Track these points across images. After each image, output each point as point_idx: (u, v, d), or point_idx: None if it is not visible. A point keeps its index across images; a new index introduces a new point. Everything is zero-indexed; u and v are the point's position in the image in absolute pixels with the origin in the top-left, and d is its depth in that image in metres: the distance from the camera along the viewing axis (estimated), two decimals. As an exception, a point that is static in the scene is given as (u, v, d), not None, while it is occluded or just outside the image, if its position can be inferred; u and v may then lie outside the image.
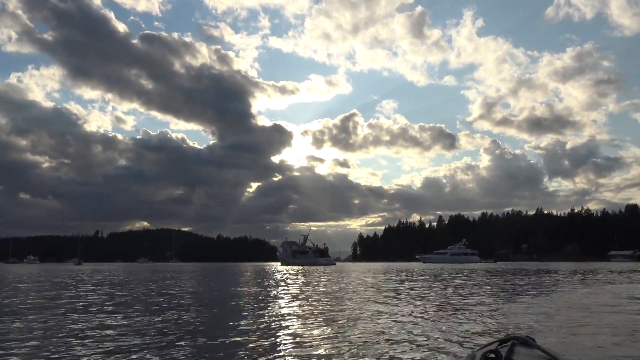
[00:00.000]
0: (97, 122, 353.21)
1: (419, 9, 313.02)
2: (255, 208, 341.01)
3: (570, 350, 5.10)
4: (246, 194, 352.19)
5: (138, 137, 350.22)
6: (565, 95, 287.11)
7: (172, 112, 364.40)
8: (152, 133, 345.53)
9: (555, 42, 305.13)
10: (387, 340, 5.85)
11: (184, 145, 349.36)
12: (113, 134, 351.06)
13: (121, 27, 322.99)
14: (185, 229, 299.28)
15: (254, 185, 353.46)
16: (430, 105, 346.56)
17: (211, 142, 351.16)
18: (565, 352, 4.98)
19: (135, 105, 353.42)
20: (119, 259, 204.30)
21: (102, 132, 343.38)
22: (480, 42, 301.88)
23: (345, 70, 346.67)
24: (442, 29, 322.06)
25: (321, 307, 9.50)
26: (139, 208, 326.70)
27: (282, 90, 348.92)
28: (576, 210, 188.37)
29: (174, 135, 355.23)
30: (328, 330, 6.61)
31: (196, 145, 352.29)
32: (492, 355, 1.57)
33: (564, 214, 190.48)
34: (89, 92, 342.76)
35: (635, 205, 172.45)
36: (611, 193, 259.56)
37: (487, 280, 20.47)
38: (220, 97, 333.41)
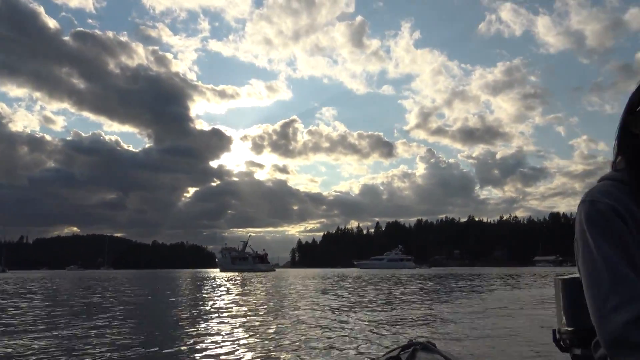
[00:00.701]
0: (23, 122, 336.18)
1: (359, 18, 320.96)
2: (193, 213, 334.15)
3: (469, 353, 5.43)
4: (183, 199, 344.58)
5: (68, 138, 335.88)
6: (496, 107, 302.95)
7: (105, 113, 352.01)
8: (83, 134, 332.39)
9: (486, 57, 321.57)
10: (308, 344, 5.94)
11: (118, 148, 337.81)
12: (41, 134, 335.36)
13: (52, 23, 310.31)
14: (118, 235, 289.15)
15: (192, 190, 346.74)
16: (369, 114, 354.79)
17: (147, 146, 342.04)
18: (465, 356, 5.28)
19: (65, 105, 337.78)
20: (45, 266, 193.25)
21: (29, 132, 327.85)
22: (417, 54, 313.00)
23: (286, 76, 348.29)
24: (381, 39, 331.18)
25: (255, 324, 9.47)
26: (68, 213, 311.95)
27: (222, 95, 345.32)
28: (505, 218, 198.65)
29: (107, 138, 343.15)
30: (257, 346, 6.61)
31: (131, 148, 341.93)
32: None
33: (494, 221, 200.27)
34: (15, 90, 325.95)
35: (558, 213, 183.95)
36: (537, 201, 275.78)
37: (418, 285, 21.13)
38: (157, 100, 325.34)
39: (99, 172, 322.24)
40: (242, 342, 6.47)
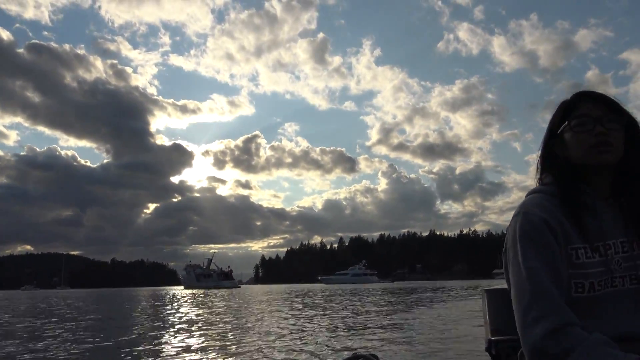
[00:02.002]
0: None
1: (321, 35, 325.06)
2: (153, 230, 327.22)
3: None
4: (143, 215, 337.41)
5: (22, 153, 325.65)
6: (455, 123, 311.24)
7: (61, 128, 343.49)
8: (38, 150, 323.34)
9: (445, 74, 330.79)
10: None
11: (75, 164, 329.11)
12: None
13: (5, 35, 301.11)
14: (75, 253, 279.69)
15: (152, 207, 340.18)
16: (331, 129, 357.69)
17: (105, 161, 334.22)
18: None
19: (19, 119, 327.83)
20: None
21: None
22: (378, 71, 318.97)
23: (248, 92, 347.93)
24: (343, 56, 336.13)
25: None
26: (21, 230, 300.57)
27: (183, 109, 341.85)
28: (465, 232, 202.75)
29: (63, 153, 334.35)
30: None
31: (88, 164, 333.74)
32: None
33: (454, 235, 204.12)
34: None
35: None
36: (495, 215, 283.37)
37: (379, 299, 21.37)
38: (116, 114, 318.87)
39: (55, 188, 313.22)
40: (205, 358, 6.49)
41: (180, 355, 6.82)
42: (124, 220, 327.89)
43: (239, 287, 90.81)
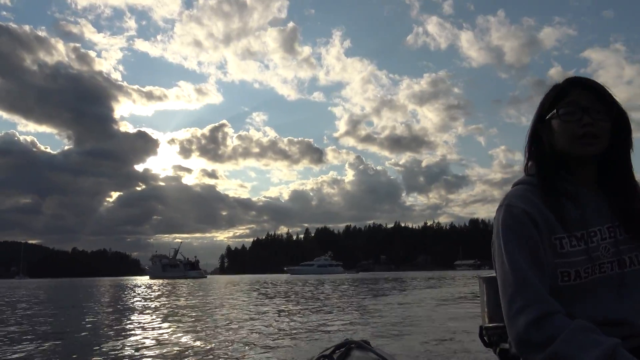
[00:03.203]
0: None
1: (291, 25, 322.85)
2: (116, 219, 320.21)
3: (403, 351, 5.68)
4: (105, 203, 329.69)
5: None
6: (422, 116, 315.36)
7: (20, 112, 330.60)
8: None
9: (414, 68, 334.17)
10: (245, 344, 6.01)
11: (34, 150, 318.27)
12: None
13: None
14: (34, 242, 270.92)
15: (115, 195, 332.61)
16: (299, 120, 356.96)
17: (66, 147, 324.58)
18: (399, 354, 5.56)
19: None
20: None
21: None
22: (347, 62, 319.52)
23: (216, 80, 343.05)
24: (313, 46, 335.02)
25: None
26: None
27: (149, 96, 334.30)
28: (429, 224, 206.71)
29: (22, 138, 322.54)
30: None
31: (49, 150, 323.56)
32: None
33: (419, 226, 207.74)
34: None
35: (477, 219, 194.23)
36: (459, 208, 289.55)
37: (347, 288, 21.61)
38: (78, 99, 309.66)
39: (12, 174, 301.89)
40: (176, 347, 6.43)
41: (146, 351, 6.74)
42: (85, 209, 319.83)
43: (206, 277, 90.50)
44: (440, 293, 18.05)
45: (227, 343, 6.65)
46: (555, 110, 1.21)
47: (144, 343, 6.89)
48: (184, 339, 7.19)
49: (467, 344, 6.04)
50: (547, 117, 1.23)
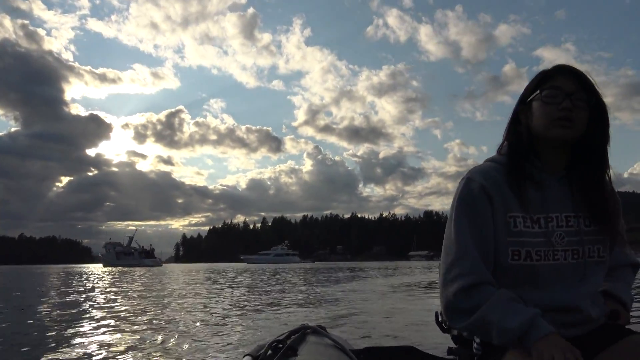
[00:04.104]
0: None
1: (251, 10, 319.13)
2: (66, 205, 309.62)
3: (359, 336, 5.80)
4: (55, 189, 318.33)
5: None
6: (380, 108, 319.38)
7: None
8: None
9: (373, 59, 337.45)
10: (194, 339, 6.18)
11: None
12: None
13: None
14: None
15: (65, 180, 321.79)
16: (258, 108, 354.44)
17: (13, 129, 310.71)
18: (354, 339, 5.83)
19: None
20: None
21: None
22: (307, 51, 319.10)
23: (173, 64, 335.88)
24: (273, 33, 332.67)
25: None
26: None
27: (102, 78, 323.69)
28: (384, 215, 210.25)
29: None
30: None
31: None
32: (280, 346, 1.60)
33: (375, 217, 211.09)
34: None
35: (431, 211, 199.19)
36: (414, 199, 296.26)
37: (303, 276, 22.03)
38: (26, 79, 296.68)
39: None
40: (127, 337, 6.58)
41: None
42: (33, 194, 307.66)
43: (161, 265, 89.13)
44: (393, 281, 18.75)
45: (182, 331, 6.62)
46: (538, 92, 1.22)
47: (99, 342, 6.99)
48: (136, 329, 7.32)
49: (423, 330, 6.16)
50: (529, 99, 1.25)
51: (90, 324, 7.43)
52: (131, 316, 8.41)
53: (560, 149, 1.23)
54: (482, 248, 1.15)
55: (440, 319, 1.46)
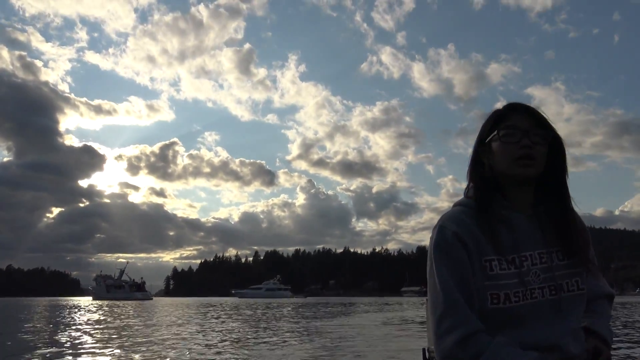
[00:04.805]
0: None
1: (247, 46, 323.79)
2: (56, 236, 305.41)
3: None
4: (45, 219, 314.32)
5: None
6: (374, 143, 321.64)
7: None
8: None
9: (367, 95, 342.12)
10: None
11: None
12: None
13: None
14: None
15: (56, 211, 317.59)
16: (252, 141, 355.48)
17: (5, 159, 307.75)
18: None
19: None
20: None
21: None
22: (302, 86, 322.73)
23: (169, 97, 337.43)
24: (268, 68, 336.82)
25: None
26: None
27: (97, 110, 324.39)
28: (377, 250, 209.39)
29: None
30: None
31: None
32: None
33: (367, 252, 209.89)
34: None
35: (424, 247, 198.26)
36: (407, 234, 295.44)
37: (292, 311, 22.14)
38: (21, 109, 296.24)
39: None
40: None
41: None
42: (23, 224, 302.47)
43: (152, 299, 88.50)
44: (384, 316, 19.04)
45: None
46: (496, 132, 1.25)
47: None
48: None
49: None
50: (488, 140, 1.27)
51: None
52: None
53: (525, 185, 1.25)
54: (467, 295, 1.16)
55: (427, 356, 1.46)
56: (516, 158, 1.20)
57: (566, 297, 1.21)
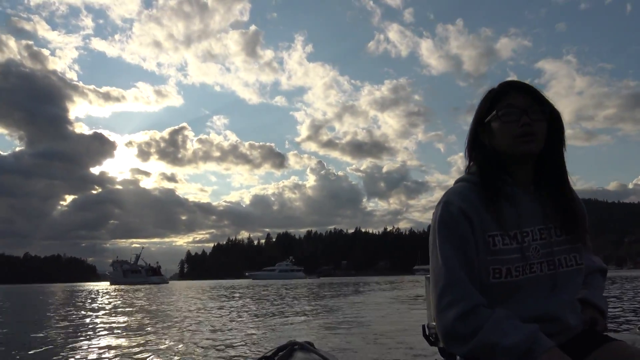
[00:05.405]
0: None
1: (253, 28, 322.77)
2: (70, 223, 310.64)
3: (346, 353, 5.85)
4: (59, 207, 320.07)
5: None
6: (383, 123, 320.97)
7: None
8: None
9: (375, 74, 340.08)
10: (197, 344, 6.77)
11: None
12: None
13: None
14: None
15: (69, 198, 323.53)
16: (261, 124, 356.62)
17: (18, 149, 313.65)
18: (342, 354, 5.79)
19: None
20: None
21: None
22: (309, 67, 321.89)
23: (176, 82, 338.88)
24: (275, 50, 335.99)
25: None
26: None
27: (106, 97, 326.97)
28: (389, 229, 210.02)
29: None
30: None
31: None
32: None
33: (379, 232, 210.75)
34: None
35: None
36: (418, 213, 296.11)
37: (308, 291, 22.57)
38: (31, 99, 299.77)
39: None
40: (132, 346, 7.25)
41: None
42: (38, 213, 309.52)
43: (167, 283, 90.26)
44: (395, 295, 19.39)
45: (177, 346, 6.88)
46: (495, 112, 1.26)
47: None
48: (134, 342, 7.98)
49: (411, 341, 6.31)
50: (487, 120, 1.28)
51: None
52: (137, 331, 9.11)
53: (526, 163, 1.27)
54: (469, 270, 1.18)
55: (427, 332, 1.49)
56: (517, 136, 1.22)
57: (563, 272, 1.24)
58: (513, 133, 1.23)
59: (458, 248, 1.19)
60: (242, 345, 6.82)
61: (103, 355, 6.22)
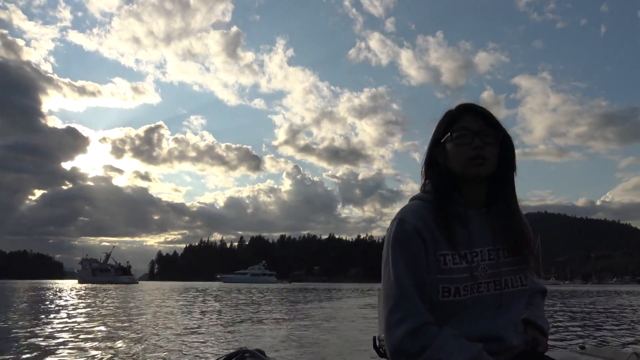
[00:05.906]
0: None
1: (235, 29, 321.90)
2: (38, 219, 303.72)
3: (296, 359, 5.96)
4: (27, 202, 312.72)
5: None
6: (360, 130, 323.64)
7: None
8: None
9: (355, 81, 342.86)
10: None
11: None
12: None
13: None
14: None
15: (38, 193, 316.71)
16: (238, 126, 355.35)
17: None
18: None
19: None
20: None
21: None
22: (289, 71, 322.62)
23: (154, 79, 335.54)
24: (256, 52, 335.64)
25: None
26: None
27: (81, 91, 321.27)
28: (362, 237, 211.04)
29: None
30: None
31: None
32: None
33: (352, 239, 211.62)
34: None
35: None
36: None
37: (275, 297, 22.55)
38: (2, 89, 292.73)
39: None
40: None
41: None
42: (4, 207, 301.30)
43: (137, 283, 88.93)
44: (363, 302, 19.55)
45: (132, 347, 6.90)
46: (449, 134, 1.30)
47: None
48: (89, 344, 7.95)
49: (362, 353, 6.40)
50: (442, 141, 1.33)
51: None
52: (89, 338, 9.04)
53: (479, 184, 1.31)
54: (420, 288, 1.20)
55: (377, 344, 1.49)
56: (469, 158, 1.26)
57: (508, 293, 1.28)
58: (465, 155, 1.26)
59: (410, 266, 1.21)
60: (194, 349, 6.80)
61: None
